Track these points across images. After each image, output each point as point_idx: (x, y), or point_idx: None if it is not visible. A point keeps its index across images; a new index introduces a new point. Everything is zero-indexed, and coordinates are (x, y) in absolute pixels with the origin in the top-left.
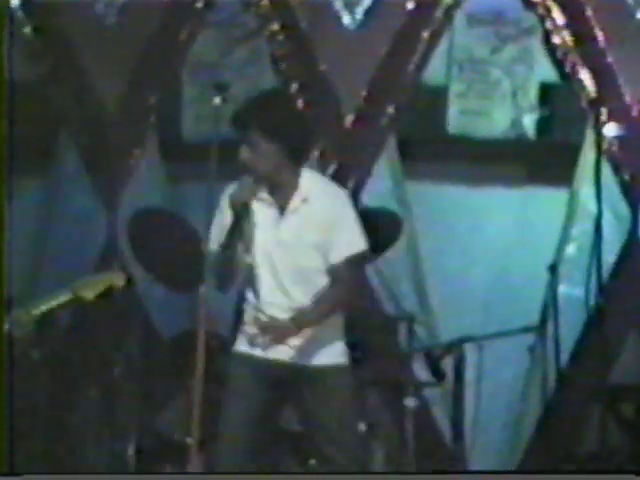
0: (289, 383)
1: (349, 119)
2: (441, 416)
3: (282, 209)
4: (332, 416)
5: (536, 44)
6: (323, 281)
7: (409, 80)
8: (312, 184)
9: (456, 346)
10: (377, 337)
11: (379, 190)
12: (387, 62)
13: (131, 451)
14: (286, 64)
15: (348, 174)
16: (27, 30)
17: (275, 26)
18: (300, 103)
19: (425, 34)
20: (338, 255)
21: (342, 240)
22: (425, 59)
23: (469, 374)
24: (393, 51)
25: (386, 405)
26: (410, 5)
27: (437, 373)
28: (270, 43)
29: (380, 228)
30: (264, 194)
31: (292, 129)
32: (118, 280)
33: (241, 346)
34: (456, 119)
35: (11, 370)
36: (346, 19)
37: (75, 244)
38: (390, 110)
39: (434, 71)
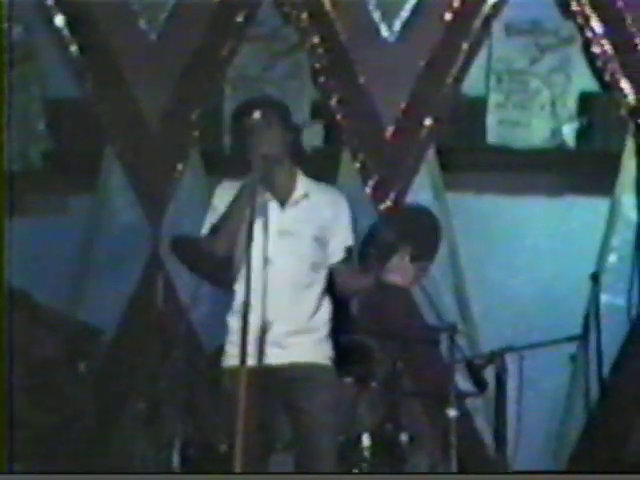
0: (282, 384)
1: (389, 131)
2: (483, 426)
3: (282, 203)
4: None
5: (575, 53)
6: (316, 279)
7: (448, 91)
8: (310, 183)
9: (498, 356)
10: (419, 348)
11: (420, 201)
12: (426, 74)
13: (176, 461)
14: (326, 77)
15: (389, 186)
16: (73, 48)
17: (315, 39)
18: (340, 116)
19: (464, 45)
20: (336, 256)
21: (338, 240)
22: (464, 70)
23: (511, 384)
24: (432, 63)
25: (428, 416)
26: (448, 16)
27: (479, 383)
28: (310, 57)
29: (420, 230)
30: (265, 192)
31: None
32: None
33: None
34: (495, 129)
35: (10, 371)
36: (385, 32)
37: (120, 256)
38: (429, 122)
39: (473, 82)
